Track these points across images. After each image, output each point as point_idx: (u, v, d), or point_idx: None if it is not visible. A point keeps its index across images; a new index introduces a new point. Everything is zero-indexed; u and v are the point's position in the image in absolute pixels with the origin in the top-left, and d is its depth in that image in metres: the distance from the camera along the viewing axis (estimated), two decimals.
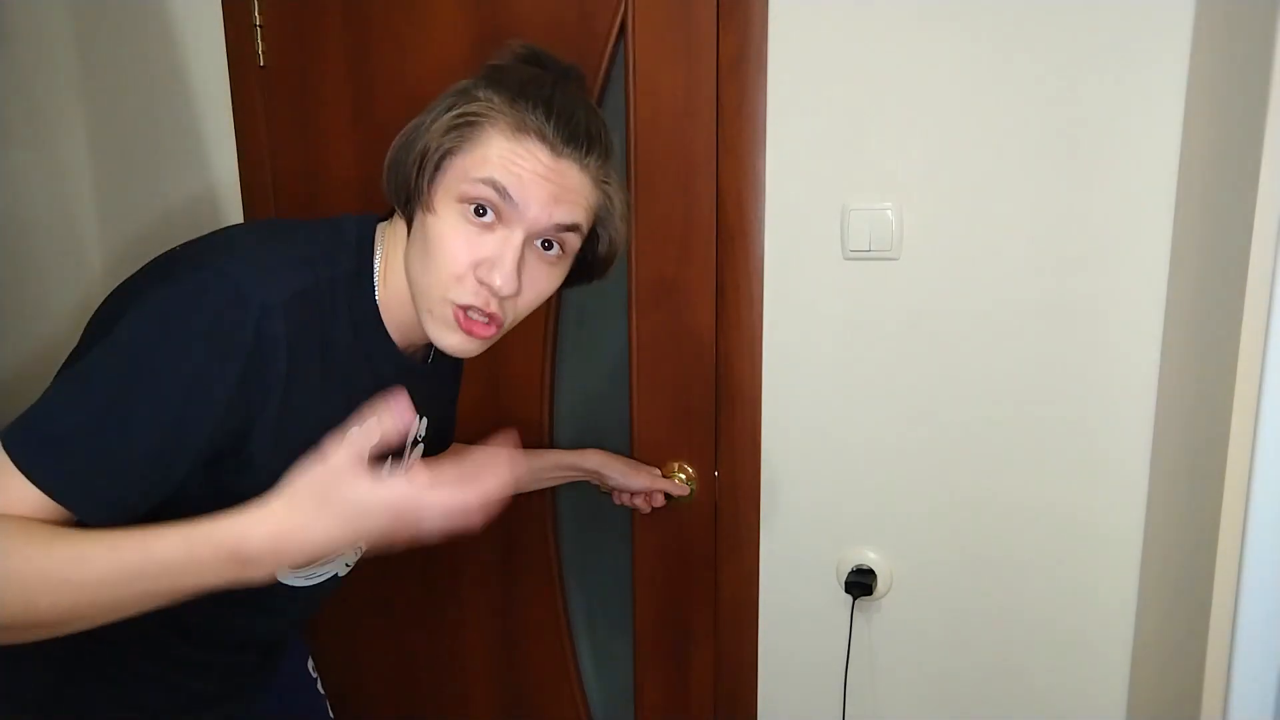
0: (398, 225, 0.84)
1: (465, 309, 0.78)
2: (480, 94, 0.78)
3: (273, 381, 0.73)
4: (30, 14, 1.48)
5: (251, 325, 0.71)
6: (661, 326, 1.32)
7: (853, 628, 1.32)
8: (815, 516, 1.32)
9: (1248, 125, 0.90)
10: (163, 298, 0.71)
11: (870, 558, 1.30)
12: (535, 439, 1.41)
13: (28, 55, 1.48)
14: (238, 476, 0.76)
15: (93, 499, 0.68)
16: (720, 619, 1.39)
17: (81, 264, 1.57)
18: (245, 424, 0.74)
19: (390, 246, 0.84)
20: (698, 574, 1.39)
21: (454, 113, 0.77)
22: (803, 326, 1.27)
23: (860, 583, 1.28)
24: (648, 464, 1.34)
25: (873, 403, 1.26)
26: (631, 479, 1.26)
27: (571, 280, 0.88)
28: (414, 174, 0.78)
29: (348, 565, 0.96)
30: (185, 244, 0.81)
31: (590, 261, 0.88)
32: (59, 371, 0.78)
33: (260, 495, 0.72)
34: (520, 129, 0.77)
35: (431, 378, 0.96)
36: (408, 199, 0.80)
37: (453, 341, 0.80)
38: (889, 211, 1.20)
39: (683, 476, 1.34)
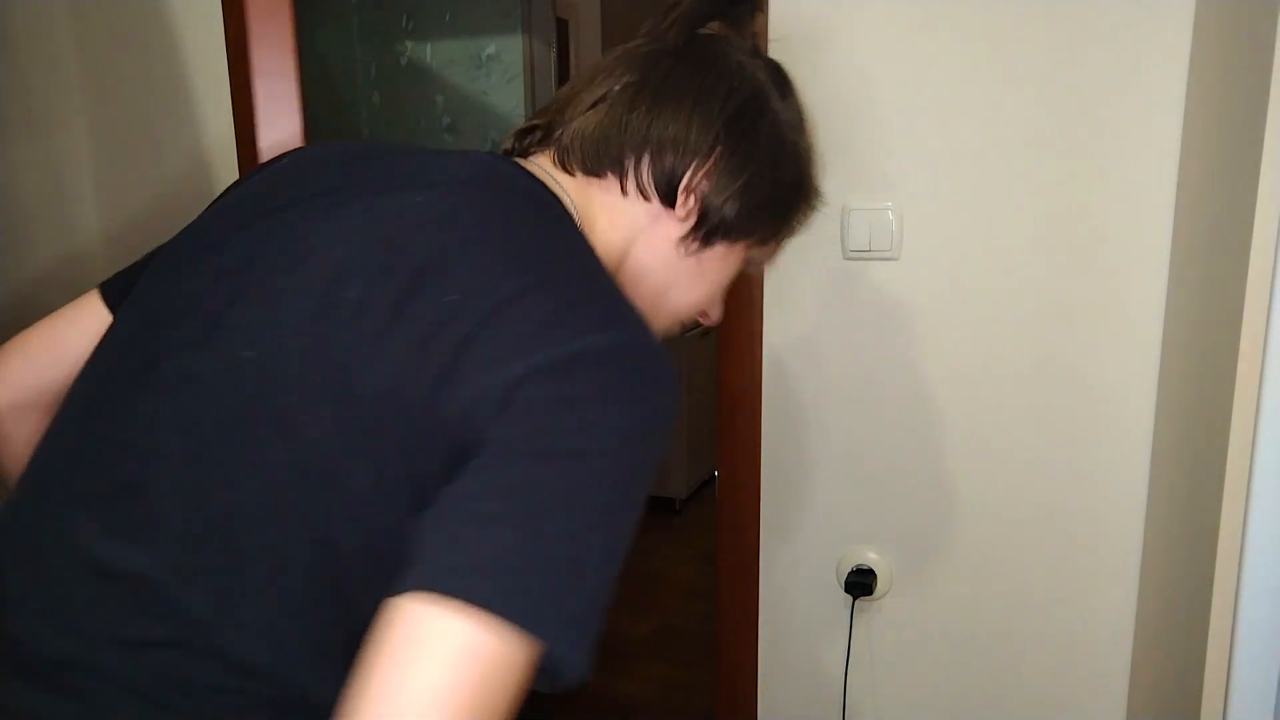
0: (625, 212, 0.68)
1: None
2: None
3: None
4: (30, 14, 1.48)
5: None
6: None
7: (853, 627, 1.32)
8: (815, 516, 1.32)
9: (1248, 124, 0.90)
10: (634, 397, 0.53)
11: (870, 558, 1.30)
12: None
13: (28, 55, 1.48)
14: None
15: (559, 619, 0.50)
16: (720, 618, 1.39)
17: (82, 266, 1.57)
18: None
19: (607, 234, 0.69)
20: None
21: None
22: (803, 326, 1.27)
23: (860, 583, 1.28)
24: None
25: (873, 402, 1.26)
26: None
27: None
28: (780, 206, 0.72)
29: None
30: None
31: None
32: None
33: None
34: None
35: None
36: (747, 221, 0.70)
37: None
38: (889, 211, 1.20)
39: None
